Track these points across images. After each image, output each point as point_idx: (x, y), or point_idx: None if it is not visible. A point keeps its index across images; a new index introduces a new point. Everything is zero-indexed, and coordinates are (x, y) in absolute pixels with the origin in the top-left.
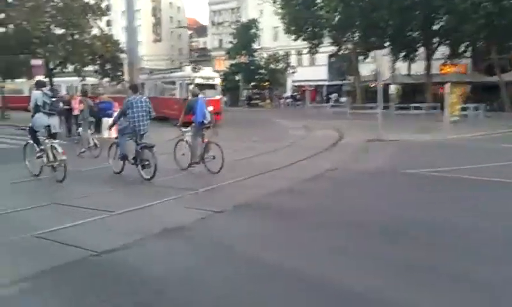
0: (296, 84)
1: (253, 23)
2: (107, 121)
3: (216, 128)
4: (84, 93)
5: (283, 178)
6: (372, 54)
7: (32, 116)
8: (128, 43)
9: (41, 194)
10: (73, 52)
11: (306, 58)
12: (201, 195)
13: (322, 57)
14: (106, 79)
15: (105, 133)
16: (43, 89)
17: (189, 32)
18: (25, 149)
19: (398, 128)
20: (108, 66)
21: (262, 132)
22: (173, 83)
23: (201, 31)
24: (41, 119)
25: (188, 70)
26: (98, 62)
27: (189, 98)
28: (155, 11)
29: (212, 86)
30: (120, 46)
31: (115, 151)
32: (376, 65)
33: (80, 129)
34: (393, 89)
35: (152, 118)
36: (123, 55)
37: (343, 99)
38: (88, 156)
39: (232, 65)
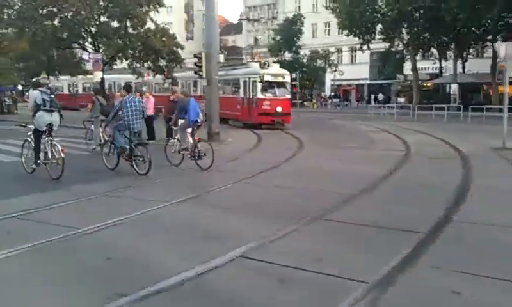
0: (337, 83)
1: (298, 18)
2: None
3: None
4: (96, 91)
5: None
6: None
7: (33, 116)
8: (207, 35)
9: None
10: (128, 46)
11: (346, 56)
12: None
13: (363, 56)
14: (158, 76)
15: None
16: (41, 88)
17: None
18: (23, 146)
19: None
20: (163, 63)
21: (344, 136)
22: (237, 81)
23: (229, 28)
24: (43, 117)
25: (255, 66)
26: (153, 57)
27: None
28: (188, 8)
29: (282, 84)
30: (176, 40)
31: (108, 149)
32: (503, 58)
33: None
34: (455, 88)
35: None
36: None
37: (401, 99)
38: (98, 153)
39: (274, 63)
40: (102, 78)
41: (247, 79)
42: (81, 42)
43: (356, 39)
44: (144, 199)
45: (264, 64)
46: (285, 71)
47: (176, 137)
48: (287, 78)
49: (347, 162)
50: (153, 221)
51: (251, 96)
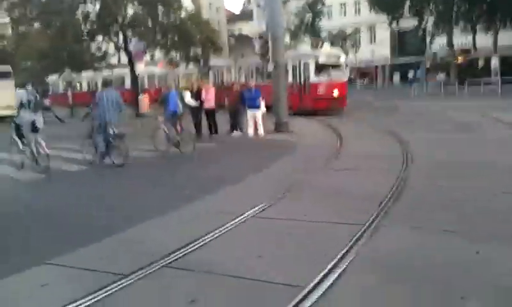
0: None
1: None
2: (253, 115)
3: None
4: (106, 84)
5: None
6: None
7: (17, 114)
8: (270, 12)
9: None
10: (163, 35)
11: (364, 37)
12: None
13: (383, 35)
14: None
15: (250, 131)
16: (27, 87)
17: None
18: (11, 144)
19: None
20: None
21: (422, 119)
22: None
23: (234, 18)
24: (26, 116)
25: (305, 47)
26: (189, 46)
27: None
28: None
29: (338, 66)
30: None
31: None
32: None
33: None
34: (496, 62)
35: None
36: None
37: (441, 75)
38: None
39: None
40: (134, 73)
41: (296, 63)
42: (109, 34)
43: (374, 17)
44: None
45: (318, 44)
46: (340, 51)
47: (162, 127)
48: (343, 59)
49: (482, 150)
50: None
51: (302, 81)
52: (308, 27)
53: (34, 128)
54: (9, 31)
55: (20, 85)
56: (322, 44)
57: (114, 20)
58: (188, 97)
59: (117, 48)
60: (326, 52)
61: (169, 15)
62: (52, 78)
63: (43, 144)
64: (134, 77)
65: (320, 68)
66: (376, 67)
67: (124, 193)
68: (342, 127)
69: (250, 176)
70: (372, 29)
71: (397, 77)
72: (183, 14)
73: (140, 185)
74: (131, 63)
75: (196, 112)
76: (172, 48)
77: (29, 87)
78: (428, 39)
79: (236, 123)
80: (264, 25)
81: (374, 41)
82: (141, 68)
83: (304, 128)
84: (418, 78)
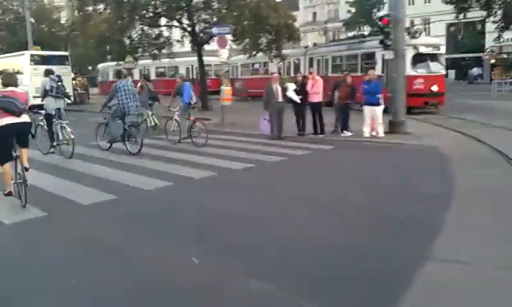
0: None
1: None
2: (372, 112)
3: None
4: (146, 78)
5: None
6: None
7: (42, 100)
8: None
9: None
10: (238, 18)
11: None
12: None
13: (438, 28)
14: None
15: (366, 130)
16: (51, 76)
17: None
18: (36, 130)
19: None
20: (268, 38)
21: None
22: (368, 55)
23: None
24: (50, 103)
25: None
26: (262, 32)
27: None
28: None
29: (436, 57)
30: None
31: (103, 131)
32: None
33: None
34: None
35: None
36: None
37: None
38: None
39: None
40: (202, 61)
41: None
42: (177, 17)
43: (429, 9)
44: None
45: (415, 32)
46: (439, 40)
47: (175, 118)
48: (442, 50)
49: None
50: None
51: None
52: (367, 17)
53: (60, 115)
54: (62, 15)
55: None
56: (420, 33)
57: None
58: (291, 90)
59: (187, 33)
60: (425, 41)
61: None
62: (101, 65)
63: (69, 129)
64: (202, 66)
65: (418, 59)
66: None
67: None
68: (464, 128)
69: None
70: (426, 21)
71: (451, 74)
72: None
73: None
74: (199, 50)
75: (299, 107)
76: (245, 35)
77: (53, 76)
78: (488, 35)
79: (347, 120)
80: None
81: (428, 34)
82: (224, 55)
83: (420, 129)
84: (481, 75)
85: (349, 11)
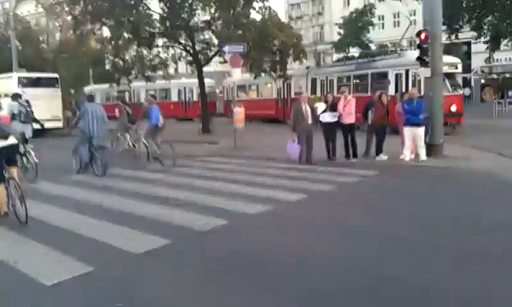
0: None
1: (368, 9)
2: (413, 133)
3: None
4: (123, 101)
5: None
6: None
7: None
8: (430, 8)
9: None
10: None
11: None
12: None
13: None
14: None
15: (407, 153)
16: (19, 100)
17: None
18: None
19: None
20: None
21: None
22: (380, 75)
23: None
24: (17, 128)
25: (412, 53)
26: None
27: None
28: None
29: (454, 76)
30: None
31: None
32: None
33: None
34: None
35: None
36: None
37: None
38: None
39: (338, 60)
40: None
41: (402, 72)
42: (176, 37)
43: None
44: None
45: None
46: (456, 59)
47: (142, 141)
48: (460, 68)
49: None
50: None
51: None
52: (356, 39)
53: (25, 139)
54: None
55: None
56: None
57: (184, 21)
58: (321, 111)
59: (188, 53)
60: (444, 60)
61: (248, 16)
62: (88, 88)
63: (33, 154)
64: (203, 87)
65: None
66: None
67: None
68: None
69: None
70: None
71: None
72: (259, 16)
73: None
74: (200, 71)
75: (331, 128)
76: (250, 54)
77: (21, 100)
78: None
79: (381, 143)
80: None
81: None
82: (237, 74)
83: (453, 151)
84: (470, 96)
85: (339, 34)
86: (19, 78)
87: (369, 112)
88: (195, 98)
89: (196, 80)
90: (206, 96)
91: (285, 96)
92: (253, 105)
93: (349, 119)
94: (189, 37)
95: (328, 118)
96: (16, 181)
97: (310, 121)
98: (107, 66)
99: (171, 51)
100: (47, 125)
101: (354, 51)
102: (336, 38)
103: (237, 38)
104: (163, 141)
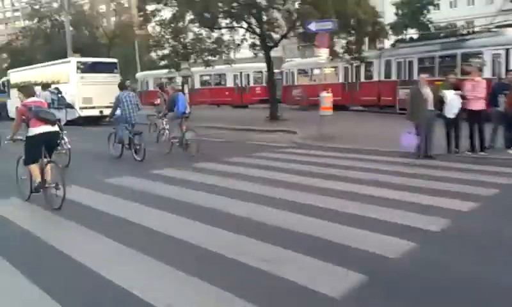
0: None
1: None
2: None
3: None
4: (161, 88)
5: None
6: None
7: None
8: None
9: None
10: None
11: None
12: None
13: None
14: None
15: None
16: (49, 89)
17: None
18: None
19: None
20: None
21: None
22: (475, 55)
23: None
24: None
25: None
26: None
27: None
28: None
29: None
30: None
31: (113, 139)
32: None
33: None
34: None
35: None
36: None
37: None
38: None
39: (397, 41)
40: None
41: (501, 51)
42: (245, 17)
43: (493, 8)
44: None
45: None
46: None
47: (166, 127)
48: None
49: None
50: None
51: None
52: (416, 19)
53: (60, 126)
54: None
55: None
56: None
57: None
58: (451, 96)
59: (255, 34)
60: None
61: None
62: (140, 74)
63: (67, 139)
64: (271, 72)
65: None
66: None
67: None
68: None
69: None
70: (470, 24)
71: None
72: None
73: None
74: (268, 54)
75: (458, 116)
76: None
77: (51, 89)
78: None
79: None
80: None
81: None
82: (324, 55)
83: None
84: None
85: (396, 14)
86: (77, 62)
87: (499, 96)
88: (251, 84)
89: (252, 65)
90: (274, 81)
91: (353, 81)
92: (316, 91)
93: (478, 105)
94: (255, 17)
95: (455, 105)
96: (56, 168)
97: (431, 107)
98: (166, 51)
99: (234, 34)
100: (106, 112)
101: (413, 33)
102: (388, 19)
103: (315, 14)
104: (187, 129)
